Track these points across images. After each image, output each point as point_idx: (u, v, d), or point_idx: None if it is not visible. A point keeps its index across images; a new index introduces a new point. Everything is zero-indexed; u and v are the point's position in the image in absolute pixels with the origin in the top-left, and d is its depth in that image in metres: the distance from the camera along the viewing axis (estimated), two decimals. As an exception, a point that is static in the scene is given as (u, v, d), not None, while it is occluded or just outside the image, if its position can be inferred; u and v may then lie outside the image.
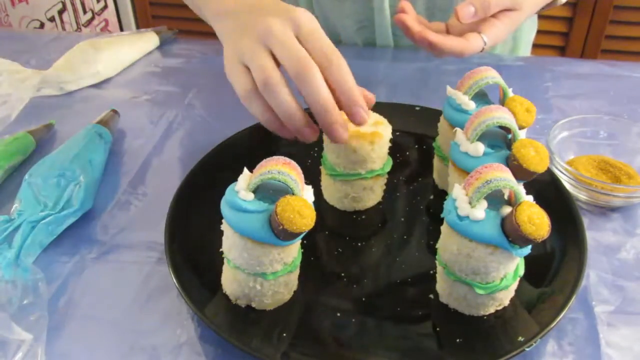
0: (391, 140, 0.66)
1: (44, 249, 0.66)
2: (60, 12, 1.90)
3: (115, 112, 0.84)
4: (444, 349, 0.55)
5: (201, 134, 0.84)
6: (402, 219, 0.69)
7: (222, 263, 0.58)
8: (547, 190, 0.68)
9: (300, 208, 0.50)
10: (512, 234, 0.50)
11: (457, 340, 0.55)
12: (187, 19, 2.16)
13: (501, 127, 0.60)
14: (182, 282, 0.58)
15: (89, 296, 0.61)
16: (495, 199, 0.53)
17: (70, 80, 0.93)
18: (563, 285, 0.58)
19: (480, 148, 0.58)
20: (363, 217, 0.70)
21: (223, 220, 0.54)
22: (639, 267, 0.64)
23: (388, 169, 0.68)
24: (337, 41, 1.08)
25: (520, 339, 0.53)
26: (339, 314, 0.58)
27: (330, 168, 0.67)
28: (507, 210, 0.52)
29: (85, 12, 2.00)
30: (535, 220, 0.49)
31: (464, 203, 0.52)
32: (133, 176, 0.76)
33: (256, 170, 0.54)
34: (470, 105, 0.64)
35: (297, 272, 0.59)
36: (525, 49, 1.12)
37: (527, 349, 0.52)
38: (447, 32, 0.80)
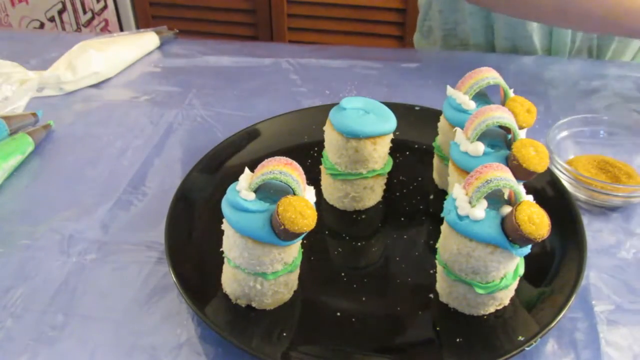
0: (391, 140, 0.67)
1: (44, 249, 0.66)
2: (60, 12, 1.90)
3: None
4: (444, 348, 0.55)
5: (201, 134, 0.84)
6: (402, 219, 0.69)
7: (223, 263, 0.58)
8: (547, 190, 0.68)
9: (302, 208, 0.50)
10: (512, 233, 0.50)
11: (457, 339, 0.55)
12: (187, 19, 2.17)
13: (501, 126, 0.60)
14: (182, 282, 0.58)
15: (89, 296, 0.61)
16: (495, 199, 0.53)
17: (70, 80, 0.93)
18: (563, 284, 0.58)
19: (480, 148, 0.58)
20: (363, 216, 0.70)
21: (224, 220, 0.54)
22: (638, 266, 0.64)
23: (389, 168, 0.68)
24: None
25: (520, 338, 0.53)
26: (339, 314, 0.58)
27: (331, 167, 0.67)
28: (507, 209, 0.52)
29: (85, 12, 2.00)
30: (535, 220, 0.49)
31: (464, 202, 0.52)
32: (133, 176, 0.76)
33: (257, 170, 0.54)
34: (471, 105, 0.64)
35: (297, 272, 0.59)
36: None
37: (527, 349, 0.52)
38: None
